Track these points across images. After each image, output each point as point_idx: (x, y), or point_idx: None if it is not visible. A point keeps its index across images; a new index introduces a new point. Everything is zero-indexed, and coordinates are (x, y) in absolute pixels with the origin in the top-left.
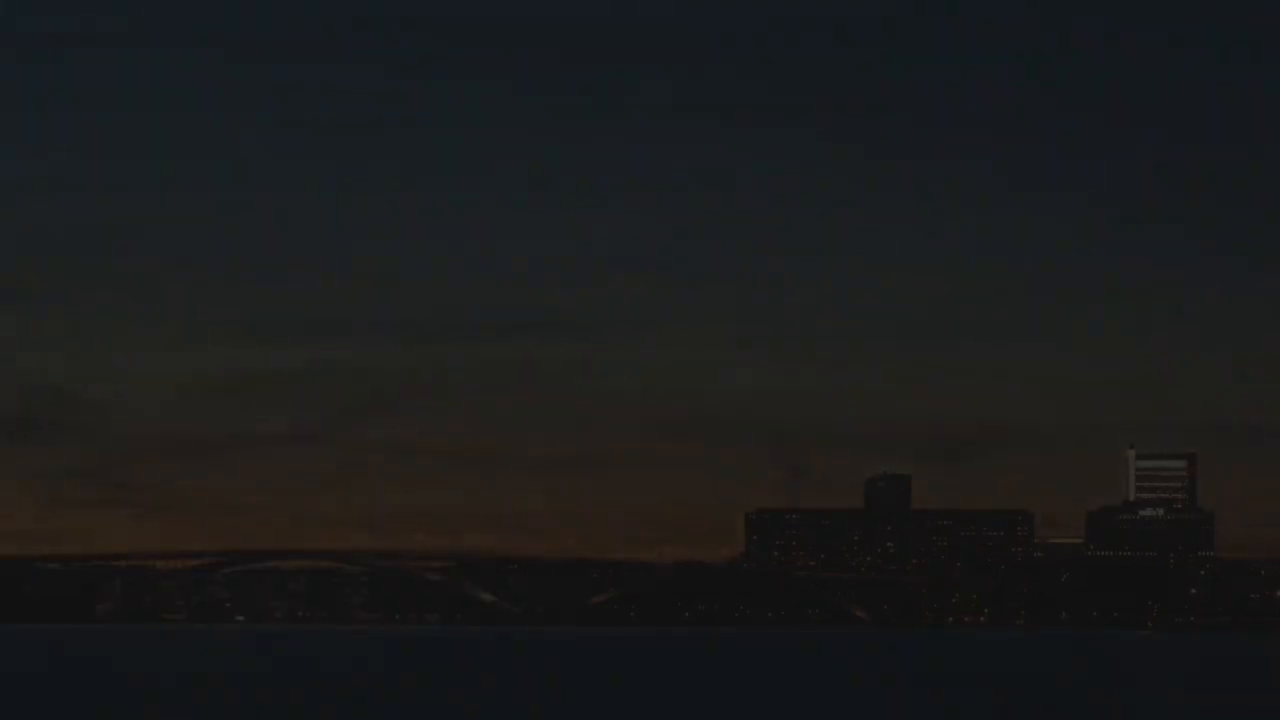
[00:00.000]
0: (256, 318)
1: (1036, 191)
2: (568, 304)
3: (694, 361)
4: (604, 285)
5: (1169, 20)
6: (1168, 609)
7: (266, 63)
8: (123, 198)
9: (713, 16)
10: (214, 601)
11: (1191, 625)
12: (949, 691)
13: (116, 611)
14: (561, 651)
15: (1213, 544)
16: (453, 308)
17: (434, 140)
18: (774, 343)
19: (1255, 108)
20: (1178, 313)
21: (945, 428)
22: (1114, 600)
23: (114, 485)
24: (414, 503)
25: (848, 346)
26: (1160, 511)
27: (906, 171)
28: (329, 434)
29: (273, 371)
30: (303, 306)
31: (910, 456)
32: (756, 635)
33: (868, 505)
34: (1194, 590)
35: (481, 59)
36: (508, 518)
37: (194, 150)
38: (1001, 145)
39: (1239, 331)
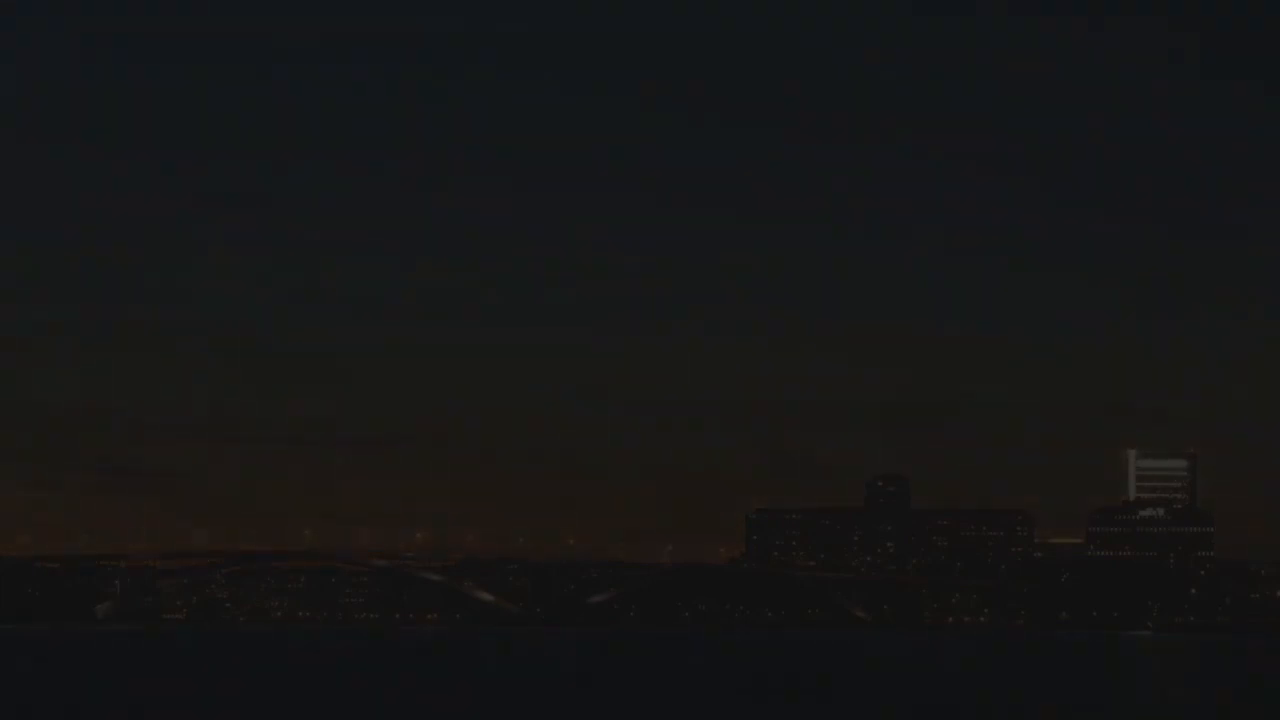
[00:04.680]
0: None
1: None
2: (570, 297)
3: (694, 360)
4: (609, 279)
5: None
6: (1168, 609)
7: None
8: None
9: None
10: (214, 601)
11: (1191, 625)
12: (949, 691)
13: (116, 611)
14: (562, 651)
15: (1213, 544)
16: (446, 299)
17: None
18: (774, 340)
19: None
20: (1177, 311)
21: (945, 427)
22: (1114, 600)
23: (111, 477)
24: (414, 501)
25: (846, 343)
26: (1160, 511)
27: (900, 151)
28: (329, 431)
29: (272, 366)
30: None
31: (910, 455)
32: (756, 635)
33: (868, 505)
34: (1194, 590)
35: None
36: (507, 517)
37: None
38: (991, 138)
39: (1240, 331)
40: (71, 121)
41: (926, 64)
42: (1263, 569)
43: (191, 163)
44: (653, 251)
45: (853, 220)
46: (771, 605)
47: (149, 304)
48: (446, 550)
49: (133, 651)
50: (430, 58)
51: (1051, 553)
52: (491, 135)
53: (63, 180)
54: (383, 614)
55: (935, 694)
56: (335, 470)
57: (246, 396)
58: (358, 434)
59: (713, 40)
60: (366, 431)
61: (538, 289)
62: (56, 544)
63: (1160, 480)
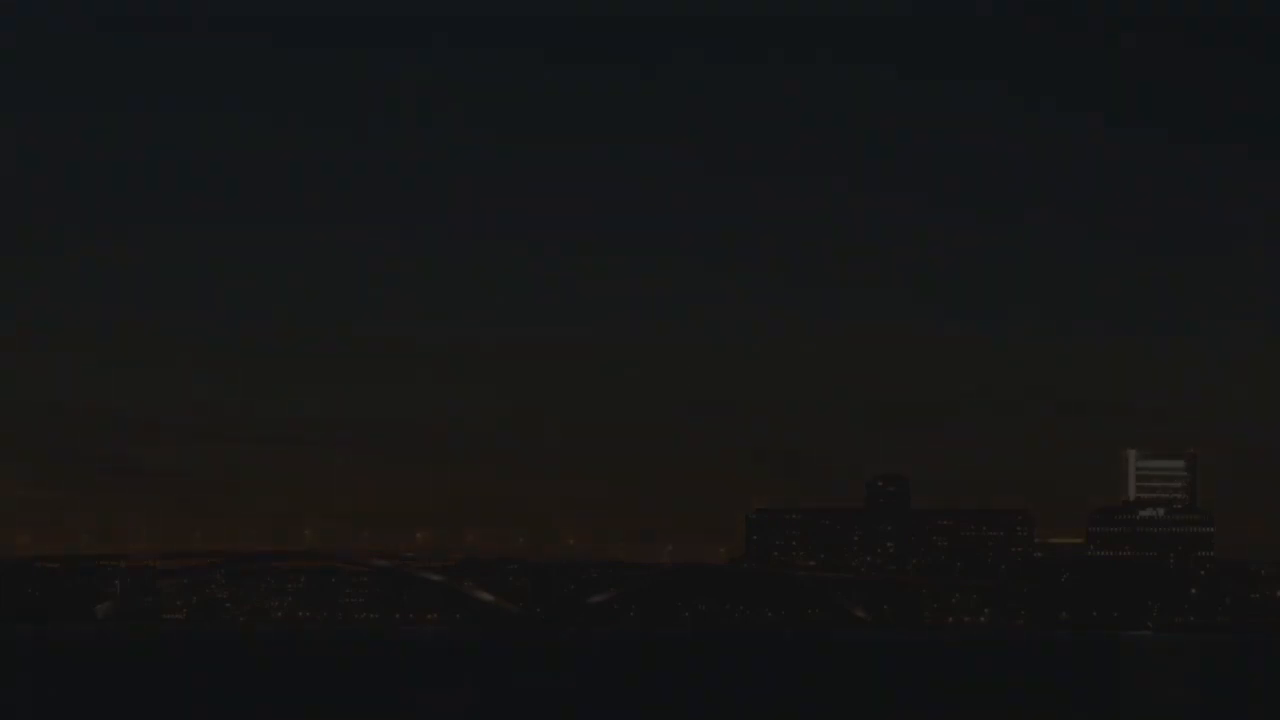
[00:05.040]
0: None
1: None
2: (570, 297)
3: (695, 358)
4: (609, 279)
5: None
6: (1168, 609)
7: None
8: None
9: None
10: (214, 601)
11: (1191, 625)
12: (950, 691)
13: (116, 611)
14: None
15: (1213, 544)
16: (446, 299)
17: None
18: (774, 340)
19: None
20: (1178, 311)
21: (945, 427)
22: (1114, 600)
23: (111, 477)
24: (413, 501)
25: (846, 343)
26: (1160, 511)
27: (900, 151)
28: (329, 431)
29: (272, 366)
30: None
31: (910, 455)
32: (757, 635)
33: (868, 505)
34: (1194, 590)
35: None
36: (508, 517)
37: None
38: (995, 144)
39: (1240, 331)
40: (71, 121)
41: (927, 63)
42: (1263, 569)
43: (192, 163)
44: (653, 251)
45: (853, 220)
46: (771, 605)
47: (149, 304)
48: (446, 550)
49: (133, 651)
50: (430, 57)
51: (1051, 553)
52: (492, 135)
53: (63, 180)
54: (383, 614)
55: (935, 694)
56: (335, 470)
57: (246, 396)
58: (358, 434)
59: (714, 39)
60: (366, 431)
61: (538, 289)
62: (56, 544)
63: (1160, 480)
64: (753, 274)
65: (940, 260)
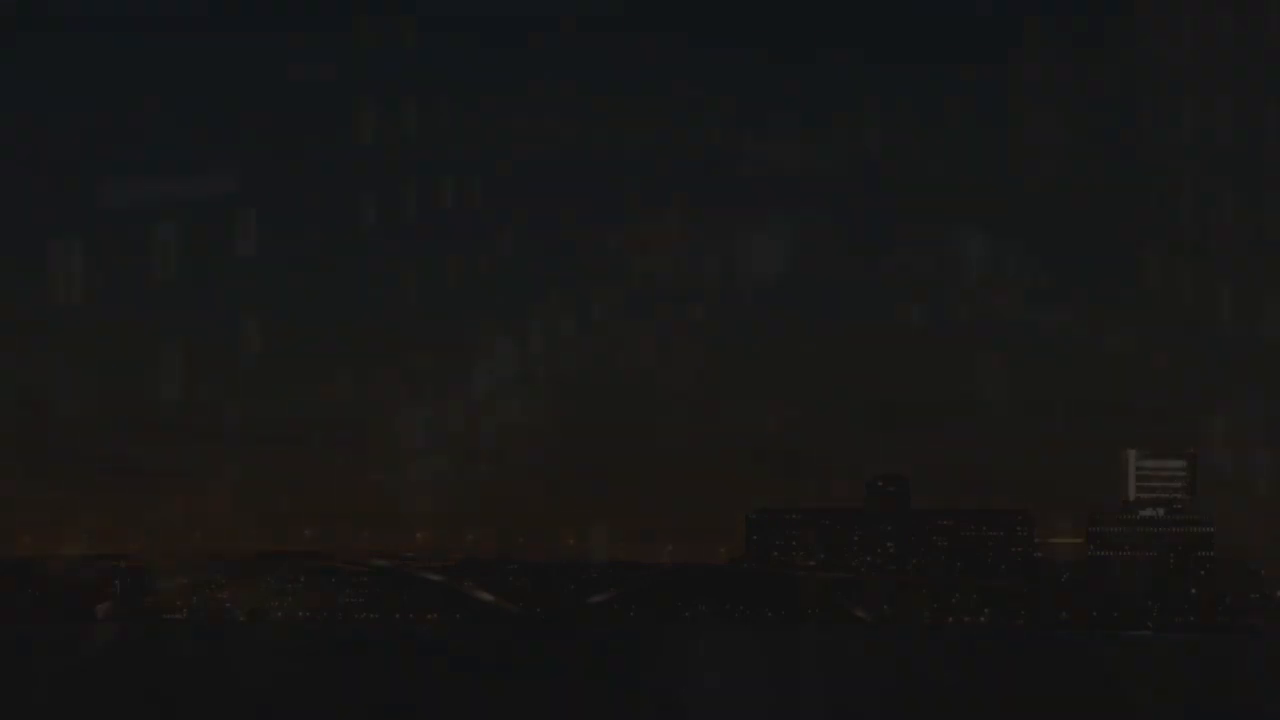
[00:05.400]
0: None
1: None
2: (569, 297)
3: (695, 359)
4: (608, 279)
5: None
6: (1168, 609)
7: None
8: None
9: None
10: (214, 601)
11: (1191, 625)
12: (950, 690)
13: (116, 611)
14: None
15: (1213, 544)
16: (447, 299)
17: None
18: (773, 341)
19: None
20: (1177, 312)
21: (945, 427)
22: (1114, 600)
23: (111, 477)
24: (413, 501)
25: (846, 343)
26: (1160, 511)
27: (900, 149)
28: (329, 431)
29: (272, 366)
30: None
31: (910, 455)
32: (756, 635)
33: (868, 505)
34: (1194, 590)
35: None
36: (507, 517)
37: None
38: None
39: (1240, 330)
40: (71, 121)
41: (927, 64)
42: (1263, 569)
43: (191, 163)
44: (652, 251)
45: (853, 218)
46: (771, 605)
47: (149, 304)
48: (446, 550)
49: (133, 651)
50: (430, 57)
51: (1051, 553)
52: (492, 134)
53: (61, 179)
54: (383, 614)
55: (938, 694)
56: (335, 470)
57: (246, 396)
58: (357, 434)
59: (714, 39)
60: (366, 431)
61: (537, 289)
62: (56, 544)
63: (1160, 480)
64: (753, 274)
65: (942, 260)
